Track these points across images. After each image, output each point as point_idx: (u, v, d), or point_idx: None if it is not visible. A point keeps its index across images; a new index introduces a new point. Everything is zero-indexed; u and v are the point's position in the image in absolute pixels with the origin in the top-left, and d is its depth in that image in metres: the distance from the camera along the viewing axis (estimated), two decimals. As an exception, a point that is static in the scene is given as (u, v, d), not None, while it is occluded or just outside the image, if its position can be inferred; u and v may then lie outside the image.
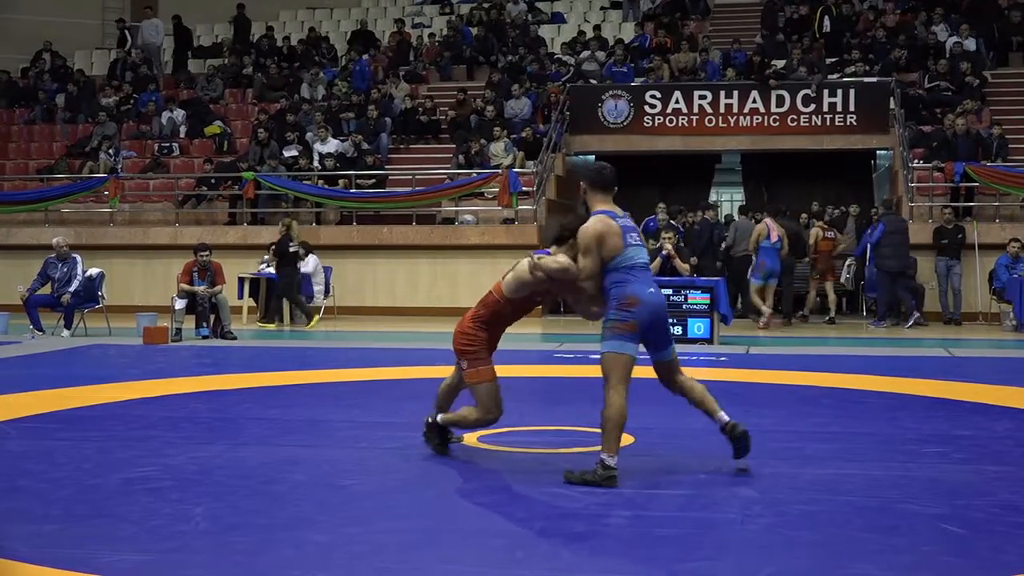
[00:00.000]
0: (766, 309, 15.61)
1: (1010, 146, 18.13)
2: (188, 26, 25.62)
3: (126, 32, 25.46)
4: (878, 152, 20.54)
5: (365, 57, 23.51)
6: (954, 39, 21.22)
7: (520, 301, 6.54)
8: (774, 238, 15.66)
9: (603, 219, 6.06)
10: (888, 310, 16.17)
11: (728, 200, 24.72)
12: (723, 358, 11.93)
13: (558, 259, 6.22)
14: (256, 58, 24.12)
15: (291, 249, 16.41)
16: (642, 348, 6.15)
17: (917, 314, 16.05)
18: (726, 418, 6.16)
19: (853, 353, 12.97)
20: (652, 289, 6.06)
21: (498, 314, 6.58)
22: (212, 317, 14.70)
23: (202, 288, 14.64)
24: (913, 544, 4.87)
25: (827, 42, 21.98)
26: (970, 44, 21.08)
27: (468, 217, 18.97)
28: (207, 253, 14.87)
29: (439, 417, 6.83)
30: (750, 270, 16.01)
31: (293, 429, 7.83)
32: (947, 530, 5.09)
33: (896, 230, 16.07)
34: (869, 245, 16.37)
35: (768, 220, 16.00)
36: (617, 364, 5.95)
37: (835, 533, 5.05)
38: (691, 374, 6.50)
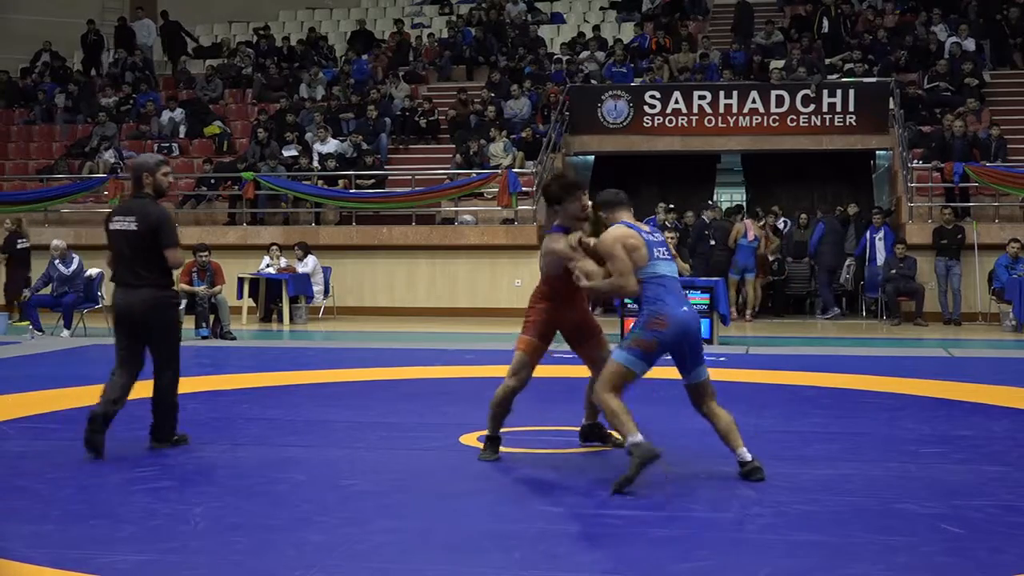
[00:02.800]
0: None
1: (1009, 146, 18.13)
2: (176, 20, 25.58)
3: (99, 32, 25.42)
4: (877, 152, 20.53)
5: (365, 57, 23.55)
6: (953, 39, 21.23)
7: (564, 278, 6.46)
8: (751, 237, 17.10)
9: (623, 228, 6.07)
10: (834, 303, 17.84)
11: (728, 200, 24.71)
12: (723, 358, 11.91)
13: (608, 281, 6.14)
14: (256, 58, 24.14)
15: (19, 246, 16.60)
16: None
17: (836, 310, 17.68)
18: (747, 456, 6.05)
19: (853, 353, 12.96)
20: (687, 307, 6.01)
21: (551, 288, 6.58)
22: (211, 317, 14.71)
23: (202, 288, 14.64)
24: (912, 544, 4.87)
25: (826, 43, 22.00)
26: (969, 44, 21.09)
27: (467, 217, 18.97)
28: (206, 253, 14.88)
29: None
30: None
31: (292, 429, 7.83)
32: (946, 530, 5.09)
33: (833, 230, 17.65)
34: (813, 243, 17.85)
35: (748, 221, 17.44)
36: (618, 374, 5.99)
37: (834, 533, 5.05)
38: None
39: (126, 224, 7.00)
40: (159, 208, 7.11)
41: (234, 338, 14.44)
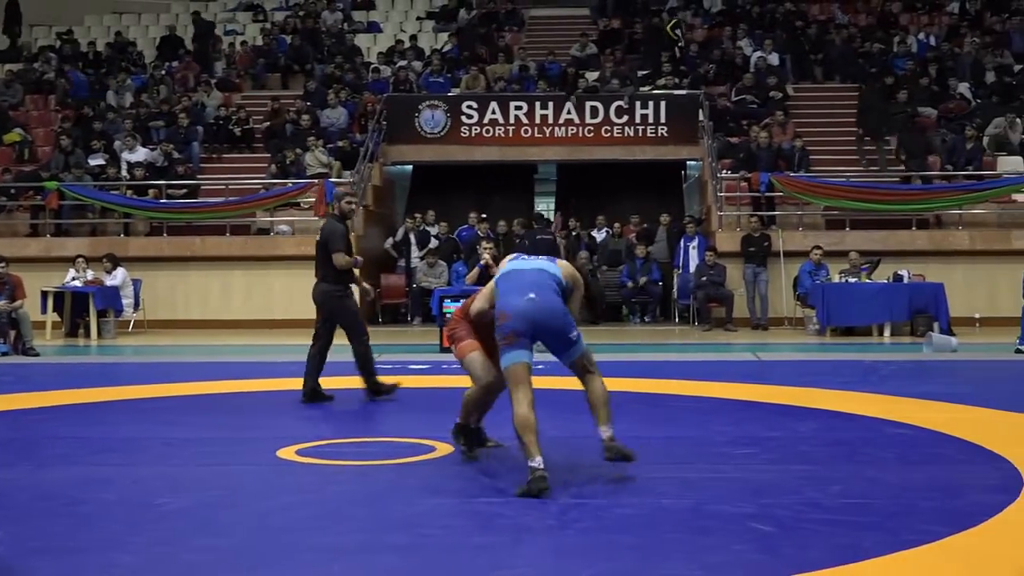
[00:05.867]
0: None
1: (811, 157, 18.87)
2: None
3: None
4: (688, 163, 21.11)
5: (175, 64, 23.00)
6: (759, 54, 22.01)
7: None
8: None
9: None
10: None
11: (545, 209, 25.05)
12: (539, 365, 11.99)
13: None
14: (59, 63, 23.27)
15: None
16: None
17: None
18: (605, 433, 6.25)
19: (665, 359, 13.25)
20: (531, 295, 6.18)
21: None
22: (12, 333, 14.09)
23: (1, 303, 14.01)
24: (724, 543, 4.99)
25: (647, 56, 22.41)
26: (774, 59, 21.90)
27: (284, 228, 18.68)
28: (3, 265, 14.26)
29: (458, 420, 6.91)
30: None
31: (101, 448, 7.54)
32: (756, 529, 5.23)
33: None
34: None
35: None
36: (510, 376, 6.17)
37: (650, 535, 5.14)
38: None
39: (318, 236, 9.69)
40: (332, 224, 9.61)
41: (37, 354, 13.86)
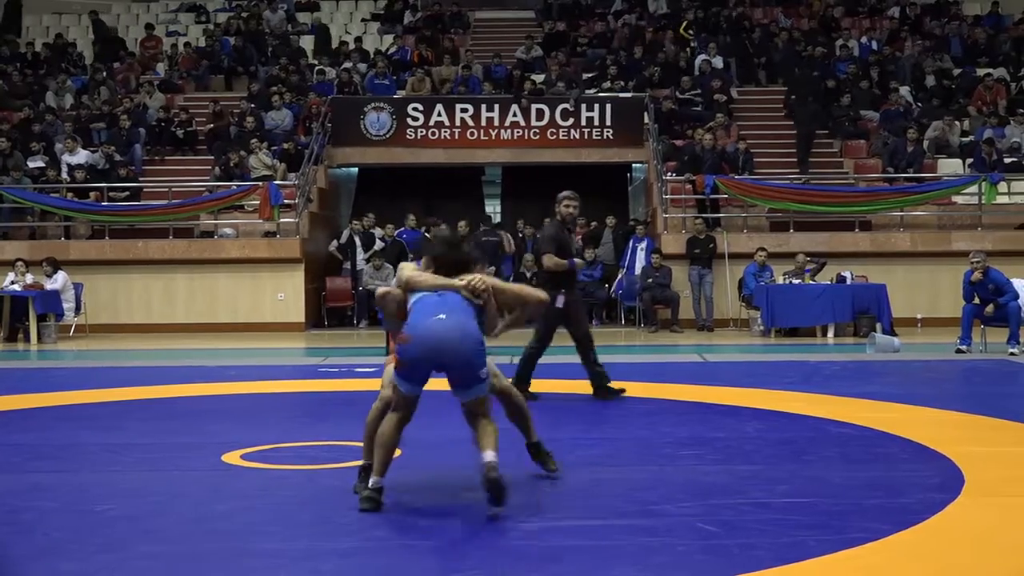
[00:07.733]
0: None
1: (755, 160, 19.02)
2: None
3: None
4: (634, 165, 21.20)
5: (117, 65, 22.75)
6: (703, 57, 22.16)
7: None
8: None
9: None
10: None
11: (492, 212, 25.08)
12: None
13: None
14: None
15: None
16: None
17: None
18: (486, 459, 5.49)
19: (612, 360, 13.25)
20: (440, 315, 5.52)
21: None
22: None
23: (-61, 307, 13.80)
24: (669, 544, 5.00)
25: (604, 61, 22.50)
26: (718, 62, 22.06)
27: (228, 230, 18.53)
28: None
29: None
30: None
31: (40, 454, 7.42)
32: (702, 529, 5.25)
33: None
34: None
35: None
36: (397, 397, 5.69)
37: (596, 537, 5.14)
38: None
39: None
40: (546, 228, 9.86)
41: (-24, 359, 13.66)
